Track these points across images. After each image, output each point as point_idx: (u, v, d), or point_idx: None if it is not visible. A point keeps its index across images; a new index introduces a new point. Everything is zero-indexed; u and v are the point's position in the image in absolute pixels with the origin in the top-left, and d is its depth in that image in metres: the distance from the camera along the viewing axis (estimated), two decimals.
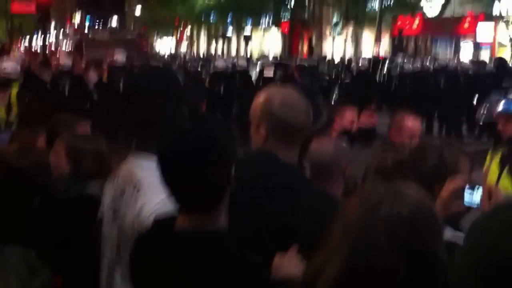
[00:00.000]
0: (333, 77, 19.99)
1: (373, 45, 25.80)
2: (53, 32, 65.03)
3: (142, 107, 2.54)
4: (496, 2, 23.62)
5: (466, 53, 26.85)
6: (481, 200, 2.17)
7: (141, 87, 2.60)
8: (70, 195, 3.04)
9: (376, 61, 21.47)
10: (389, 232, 1.63)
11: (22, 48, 43.26)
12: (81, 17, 72.05)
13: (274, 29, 41.79)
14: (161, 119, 2.50)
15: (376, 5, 28.33)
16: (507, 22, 23.38)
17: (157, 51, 50.15)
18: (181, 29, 52.23)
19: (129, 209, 2.46)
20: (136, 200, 2.44)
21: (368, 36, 32.63)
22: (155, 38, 58.89)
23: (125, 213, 2.49)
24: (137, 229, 2.36)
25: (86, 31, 49.46)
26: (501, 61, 16.49)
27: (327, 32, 39.07)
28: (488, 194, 2.17)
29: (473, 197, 2.20)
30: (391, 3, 28.13)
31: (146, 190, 2.42)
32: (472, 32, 27.20)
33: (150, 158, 2.32)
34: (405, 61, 19.42)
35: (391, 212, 1.65)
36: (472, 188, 2.21)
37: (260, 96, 2.40)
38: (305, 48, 40.14)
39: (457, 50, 28.55)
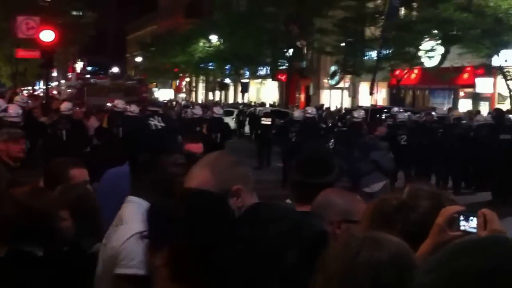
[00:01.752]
0: (330, 125, 20.17)
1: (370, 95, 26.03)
2: (55, 77, 65.69)
3: (139, 152, 2.62)
4: (495, 55, 23.92)
5: (464, 105, 27.06)
6: (477, 225, 2.16)
7: (139, 135, 2.68)
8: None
9: (373, 110, 21.64)
10: (370, 277, 1.67)
11: (25, 92, 43.76)
12: (83, 64, 72.92)
13: (271, 77, 42.27)
14: (157, 164, 2.56)
15: (374, 55, 28.68)
16: (506, 74, 23.63)
17: (157, 97, 50.59)
18: (180, 76, 52.80)
19: (109, 241, 2.56)
20: (116, 230, 2.54)
21: (365, 85, 33.01)
22: (154, 85, 59.47)
23: (106, 246, 2.59)
24: (109, 257, 2.49)
25: (87, 77, 49.96)
26: (498, 112, 16.47)
27: (324, 81, 39.46)
28: (484, 221, 2.16)
29: (469, 224, 2.18)
30: (389, 53, 28.45)
31: (127, 221, 2.51)
32: (471, 83, 27.39)
33: (142, 197, 2.49)
34: (401, 111, 19.51)
35: (371, 258, 1.68)
36: (468, 216, 2.20)
37: None
38: (302, 97, 40.54)
39: (455, 101, 28.74)
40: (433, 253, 2.16)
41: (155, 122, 2.54)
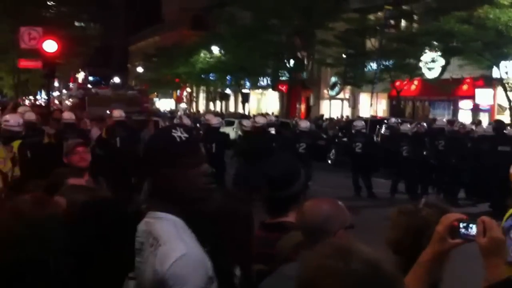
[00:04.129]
0: (331, 136, 20.28)
1: (370, 107, 26.19)
2: (57, 88, 65.90)
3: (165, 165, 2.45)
4: (496, 67, 24.05)
5: (464, 116, 27.16)
6: (477, 233, 2.16)
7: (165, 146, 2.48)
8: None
9: (373, 121, 21.77)
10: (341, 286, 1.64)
11: (27, 102, 43.90)
12: (85, 74, 73.07)
13: (272, 88, 42.42)
14: (186, 176, 2.42)
15: (374, 66, 28.86)
16: (506, 86, 23.76)
17: (158, 108, 50.74)
18: (181, 87, 53.01)
19: (148, 264, 2.36)
20: (156, 253, 2.33)
21: (366, 96, 33.15)
22: (155, 95, 59.63)
23: (144, 269, 2.39)
24: (154, 282, 2.30)
25: (89, 87, 50.14)
26: (498, 124, 16.41)
27: (325, 92, 39.63)
28: (483, 228, 2.16)
29: (469, 231, 2.19)
30: (389, 65, 28.63)
31: (166, 242, 2.33)
32: (471, 94, 27.54)
33: (167, 211, 2.39)
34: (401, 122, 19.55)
35: (346, 268, 1.64)
36: (468, 224, 2.21)
37: None
38: (303, 107, 40.69)
39: (455, 112, 28.84)
40: (433, 260, 2.29)
41: (179, 134, 2.53)
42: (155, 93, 58.92)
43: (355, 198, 15.05)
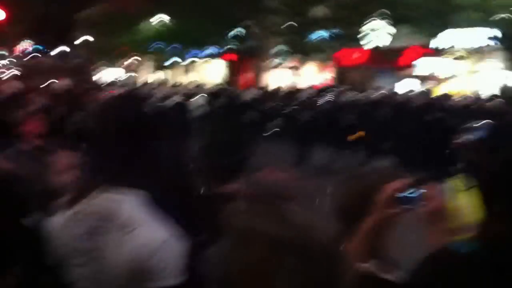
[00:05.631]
0: (276, 106, 20.40)
1: (317, 76, 26.46)
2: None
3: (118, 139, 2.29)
4: (440, 35, 24.45)
5: (408, 85, 27.66)
6: (418, 201, 2.20)
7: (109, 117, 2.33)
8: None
9: (318, 90, 21.96)
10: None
11: None
12: (27, 44, 71.24)
13: (217, 58, 42.31)
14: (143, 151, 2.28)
15: (320, 36, 29.07)
16: (449, 55, 24.29)
17: (103, 78, 50.12)
18: (126, 57, 52.47)
19: (115, 250, 2.17)
20: (130, 238, 2.16)
21: (312, 66, 33.35)
22: (101, 64, 58.76)
23: (109, 254, 2.19)
24: (134, 269, 2.14)
25: (30, 58, 49.06)
26: (446, 96, 16.73)
27: (270, 63, 39.73)
28: (426, 197, 2.21)
29: (411, 199, 2.20)
30: (335, 33, 28.88)
31: (141, 228, 2.17)
32: (414, 64, 27.90)
33: (131, 193, 2.22)
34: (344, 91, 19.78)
35: (276, 232, 1.65)
36: (409, 192, 2.22)
37: None
38: (249, 76, 40.73)
39: (399, 81, 29.35)
40: (374, 229, 2.32)
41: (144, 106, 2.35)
42: (102, 61, 58.04)
43: (299, 169, 15.19)
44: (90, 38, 59.53)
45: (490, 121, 5.28)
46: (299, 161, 15.91)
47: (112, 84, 34.93)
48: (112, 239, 2.18)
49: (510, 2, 23.05)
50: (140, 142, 2.27)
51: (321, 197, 4.29)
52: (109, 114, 2.34)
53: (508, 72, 24.60)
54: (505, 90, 21.60)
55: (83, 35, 64.39)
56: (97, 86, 18.62)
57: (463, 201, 3.88)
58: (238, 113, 14.87)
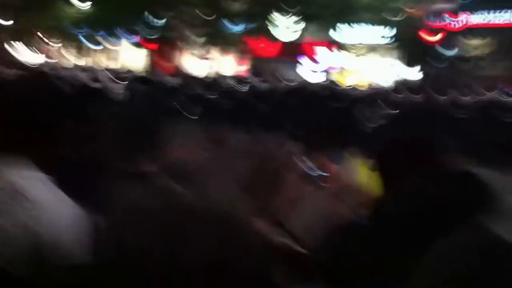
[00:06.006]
0: (193, 95, 21.94)
1: (233, 66, 28.52)
2: None
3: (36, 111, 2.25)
4: (343, 32, 27.28)
5: (315, 77, 30.24)
6: (322, 178, 2.32)
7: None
8: None
9: (236, 80, 23.79)
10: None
11: None
12: None
13: (138, 47, 43.26)
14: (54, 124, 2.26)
15: (235, 29, 31.28)
16: (346, 49, 27.13)
17: (19, 60, 49.63)
18: (49, 41, 52.16)
19: (20, 226, 2.05)
20: (35, 216, 2.06)
21: (228, 58, 35.37)
22: (16, 47, 57.92)
23: (12, 229, 2.05)
24: (38, 245, 2.03)
25: None
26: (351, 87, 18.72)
27: (189, 52, 41.11)
28: (330, 174, 2.33)
29: (316, 176, 2.31)
30: (247, 27, 31.16)
31: (47, 204, 2.09)
32: (313, 56, 30.82)
33: (37, 169, 2.15)
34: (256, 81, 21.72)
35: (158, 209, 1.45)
36: (314, 170, 2.34)
37: None
38: (168, 65, 41.82)
39: (300, 72, 31.93)
40: (284, 204, 2.43)
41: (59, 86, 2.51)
42: (19, 45, 57.26)
43: (216, 150, 16.83)
44: (6, 22, 58.51)
45: (390, 109, 6.11)
46: (217, 143, 17.65)
47: (27, 68, 35.16)
48: (16, 214, 2.08)
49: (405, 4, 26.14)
50: (52, 122, 2.26)
51: (233, 175, 4.19)
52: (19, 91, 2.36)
53: (402, 67, 27.68)
54: (399, 83, 24.36)
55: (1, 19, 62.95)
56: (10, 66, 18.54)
57: (365, 179, 4.01)
58: (159, 99, 16.22)
